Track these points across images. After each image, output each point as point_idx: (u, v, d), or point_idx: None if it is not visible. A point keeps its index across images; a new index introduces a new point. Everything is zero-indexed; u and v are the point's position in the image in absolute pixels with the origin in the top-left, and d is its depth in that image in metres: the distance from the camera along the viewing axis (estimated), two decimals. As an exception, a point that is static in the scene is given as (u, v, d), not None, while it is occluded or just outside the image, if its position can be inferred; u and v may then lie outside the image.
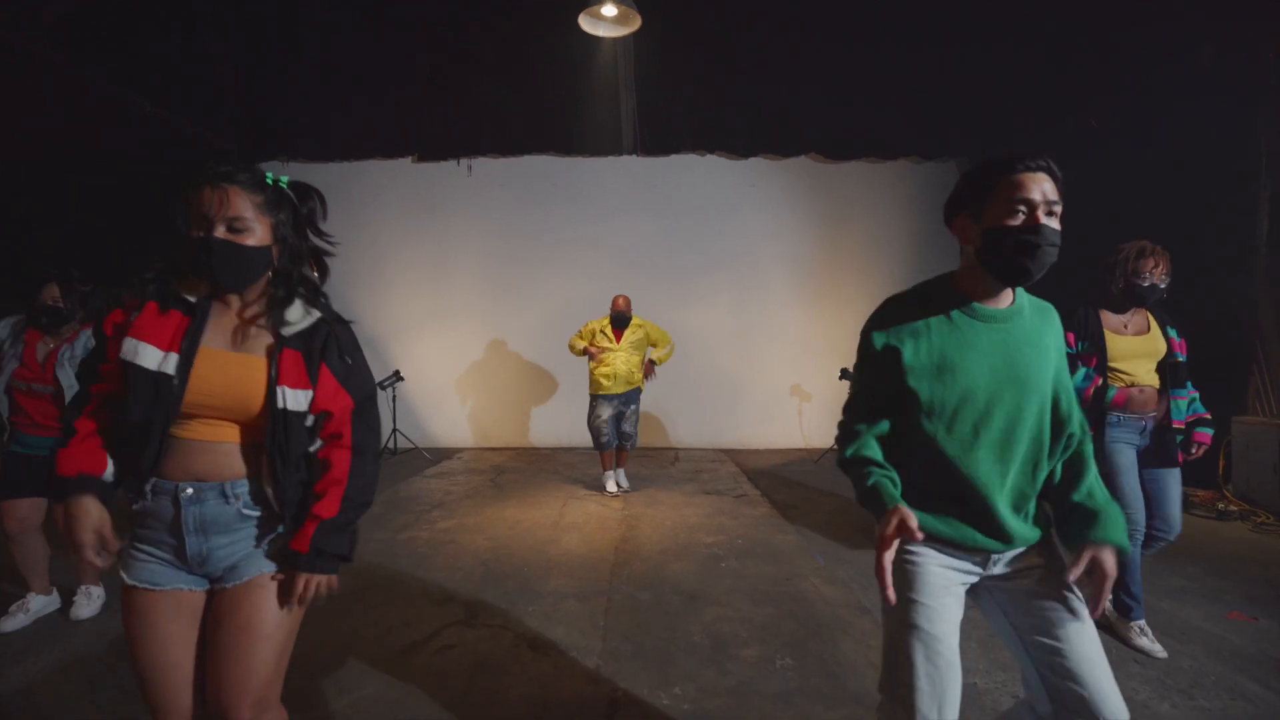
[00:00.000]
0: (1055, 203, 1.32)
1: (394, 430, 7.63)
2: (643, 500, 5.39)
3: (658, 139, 8.47)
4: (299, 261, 1.45)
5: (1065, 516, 1.41)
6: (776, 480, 6.22)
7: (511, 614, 3.09)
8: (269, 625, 1.37)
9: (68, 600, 3.10)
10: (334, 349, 1.44)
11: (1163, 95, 6.03)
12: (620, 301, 5.49)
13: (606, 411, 5.43)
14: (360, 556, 3.81)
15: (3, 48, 5.66)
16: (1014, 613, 1.40)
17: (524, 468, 6.87)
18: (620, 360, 5.39)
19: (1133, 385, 2.77)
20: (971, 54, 7.05)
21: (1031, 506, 1.41)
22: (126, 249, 7.75)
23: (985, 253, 1.35)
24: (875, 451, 1.39)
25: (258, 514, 1.38)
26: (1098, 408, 2.76)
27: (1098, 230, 6.73)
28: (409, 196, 8.66)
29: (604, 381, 5.40)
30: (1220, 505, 5.04)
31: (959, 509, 1.37)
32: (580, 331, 5.61)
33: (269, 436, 1.35)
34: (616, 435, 5.55)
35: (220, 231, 1.32)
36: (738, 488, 5.90)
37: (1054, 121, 7.31)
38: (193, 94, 7.63)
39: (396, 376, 7.67)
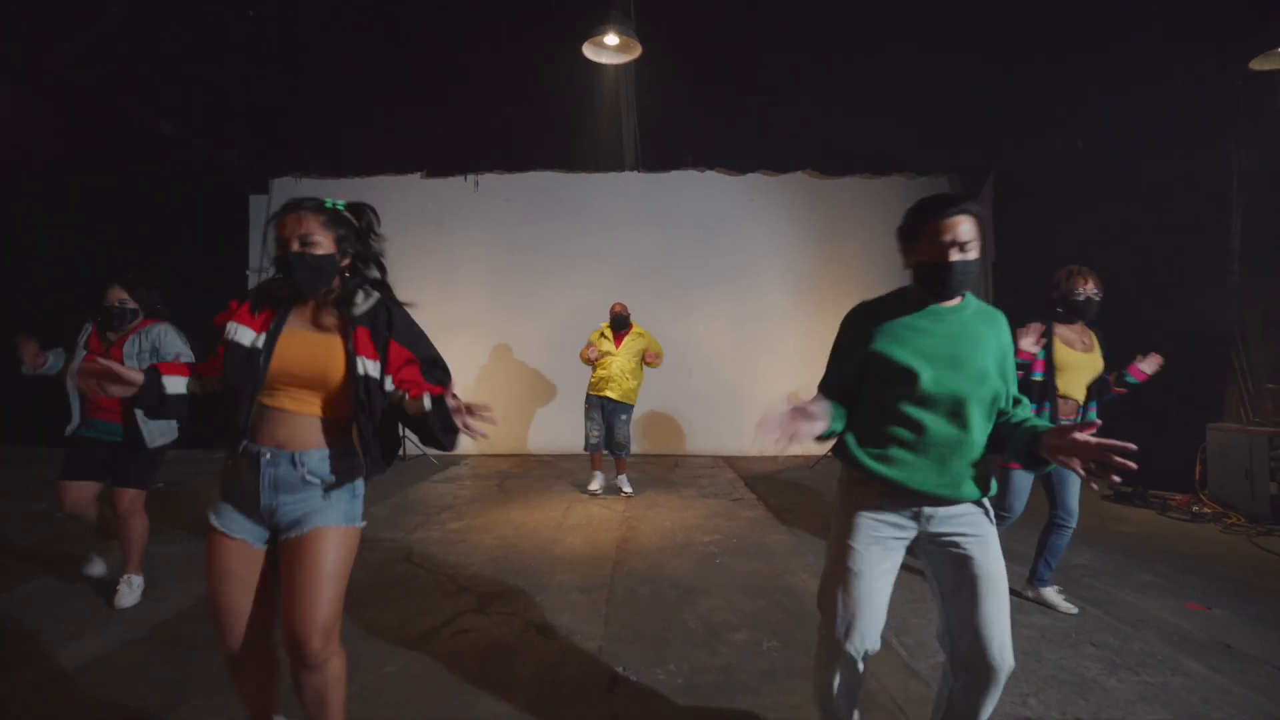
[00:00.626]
0: (969, 242, 1.64)
1: (402, 436, 7.88)
2: (643, 503, 5.63)
3: (658, 155, 8.76)
4: (362, 264, 1.82)
5: (1007, 434, 1.70)
6: (773, 485, 6.46)
7: (520, 604, 3.33)
8: (330, 568, 1.69)
9: (110, 589, 3.35)
10: (398, 325, 1.79)
11: (1142, 116, 6.31)
12: (617, 306, 5.82)
13: (595, 413, 5.73)
14: (375, 555, 4.08)
15: (38, 71, 5.96)
16: (941, 570, 1.72)
17: (528, 473, 7.11)
18: (616, 365, 5.68)
19: (1070, 400, 3.22)
20: (962, 74, 7.32)
21: (974, 468, 1.71)
22: (145, 255, 8.09)
23: (916, 277, 1.74)
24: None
25: (317, 481, 1.71)
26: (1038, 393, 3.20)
27: (1087, 243, 7.03)
28: (417, 211, 8.95)
29: (597, 382, 5.73)
30: (1195, 508, 5.28)
31: (914, 459, 1.69)
32: (588, 341, 5.87)
33: (355, 396, 1.70)
34: (610, 445, 5.80)
35: (296, 247, 1.69)
36: (735, 492, 6.14)
37: (1041, 139, 7.60)
38: (207, 113, 7.93)
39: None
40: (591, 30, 5.12)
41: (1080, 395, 3.25)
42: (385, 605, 3.29)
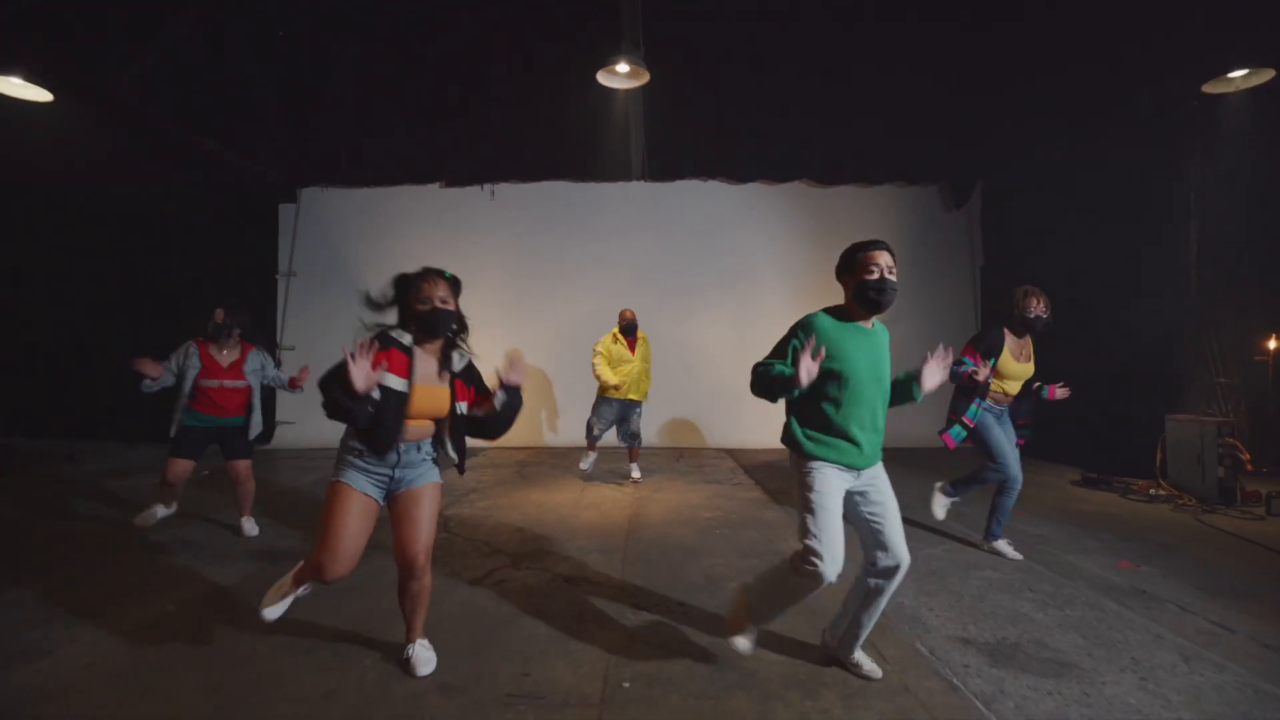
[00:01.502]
0: (891, 268, 2.37)
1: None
2: (651, 487, 6.18)
3: (664, 166, 9.31)
4: (462, 320, 2.59)
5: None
6: (769, 472, 7.01)
7: (548, 561, 3.90)
8: (432, 509, 2.55)
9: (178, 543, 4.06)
10: (477, 376, 2.67)
11: (1111, 131, 6.87)
12: (629, 314, 6.31)
13: (607, 413, 6.25)
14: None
15: (98, 96, 6.55)
16: (862, 504, 2.40)
17: (544, 463, 7.67)
18: (634, 370, 6.20)
19: (1004, 394, 3.97)
20: (951, 91, 7.88)
21: (879, 441, 2.38)
22: (186, 260, 8.69)
23: (857, 295, 2.39)
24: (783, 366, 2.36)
25: (430, 457, 2.57)
26: (973, 390, 3.88)
27: (1063, 249, 7.58)
28: (436, 218, 9.54)
29: (617, 388, 6.14)
30: (1153, 491, 5.80)
31: (844, 443, 2.35)
32: (599, 352, 6.24)
33: (450, 423, 2.58)
34: (625, 436, 6.38)
35: (438, 304, 2.43)
36: (735, 478, 6.69)
37: (1024, 152, 8.15)
38: (243, 129, 8.50)
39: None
40: (605, 60, 5.68)
41: (1015, 391, 3.98)
42: (434, 562, 3.82)
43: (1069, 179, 7.59)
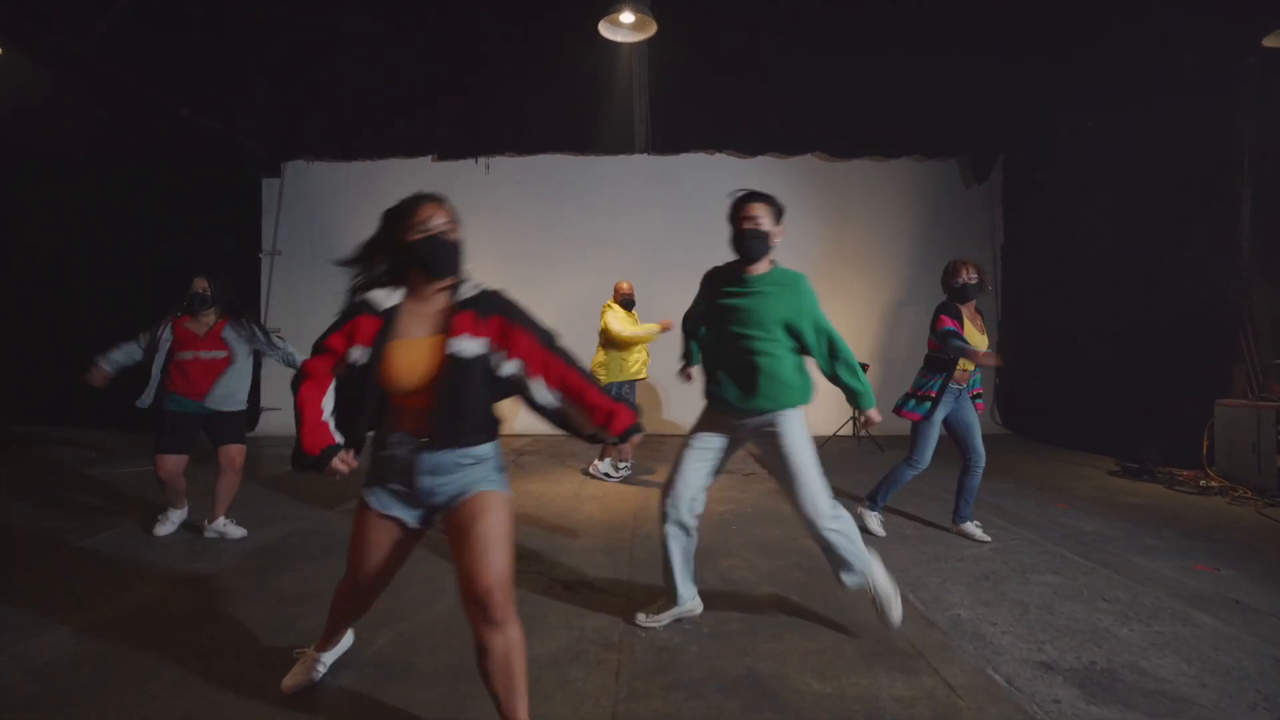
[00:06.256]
0: (758, 216, 2.50)
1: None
2: (659, 477, 5.71)
3: (668, 139, 8.82)
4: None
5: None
6: (783, 462, 6.53)
7: (546, 564, 3.43)
8: (504, 528, 1.76)
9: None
10: (511, 309, 1.84)
11: (1150, 97, 6.37)
12: (626, 285, 5.74)
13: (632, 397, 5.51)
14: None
15: (58, 54, 6.01)
16: (759, 450, 2.65)
17: (542, 450, 7.21)
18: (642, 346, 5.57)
19: (964, 370, 3.83)
20: (970, 57, 7.34)
21: (752, 390, 2.52)
22: (161, 237, 8.17)
23: (732, 244, 2.56)
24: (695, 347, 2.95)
25: (470, 461, 1.78)
26: (942, 364, 3.83)
27: (1093, 225, 7.09)
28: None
29: (640, 367, 5.51)
30: (1202, 482, 5.35)
31: (713, 384, 2.66)
32: (619, 316, 5.55)
33: (440, 378, 1.71)
34: None
35: (437, 232, 1.76)
36: (746, 467, 6.21)
37: (1049, 122, 7.64)
38: (223, 97, 7.96)
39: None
40: (607, 8, 5.17)
41: (973, 365, 3.78)
42: (418, 563, 3.36)
43: (1101, 149, 7.08)
